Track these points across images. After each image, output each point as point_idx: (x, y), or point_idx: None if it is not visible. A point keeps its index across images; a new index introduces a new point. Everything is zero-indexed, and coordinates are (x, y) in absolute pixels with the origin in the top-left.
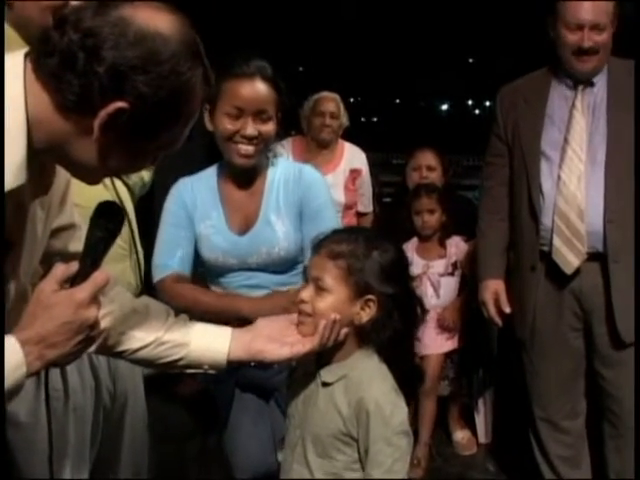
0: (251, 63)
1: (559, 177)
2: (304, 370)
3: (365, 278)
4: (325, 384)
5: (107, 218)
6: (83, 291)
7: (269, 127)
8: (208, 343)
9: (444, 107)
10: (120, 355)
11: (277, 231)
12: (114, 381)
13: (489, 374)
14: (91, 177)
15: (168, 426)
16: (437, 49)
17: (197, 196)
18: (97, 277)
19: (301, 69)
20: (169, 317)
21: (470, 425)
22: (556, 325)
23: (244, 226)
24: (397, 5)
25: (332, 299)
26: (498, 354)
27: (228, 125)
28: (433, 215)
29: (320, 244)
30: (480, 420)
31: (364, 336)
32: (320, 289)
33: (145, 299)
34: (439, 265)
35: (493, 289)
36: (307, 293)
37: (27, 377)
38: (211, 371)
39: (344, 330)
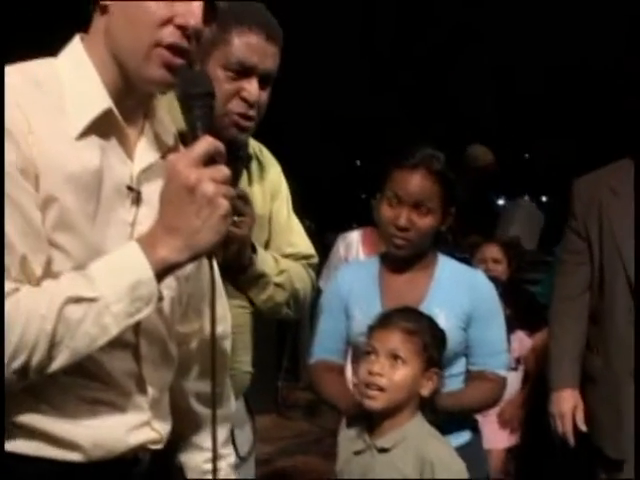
0: (418, 154)
1: None
2: (351, 448)
3: (433, 353)
4: (383, 450)
5: (194, 95)
6: (181, 159)
7: (426, 221)
8: None
9: (501, 202)
10: None
11: (439, 324)
12: None
13: (551, 471)
14: (140, 53)
15: None
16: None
17: (355, 281)
18: (200, 143)
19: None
20: None
21: None
22: None
23: None
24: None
25: (408, 372)
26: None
27: (386, 212)
28: None
29: (388, 320)
30: None
31: (423, 405)
32: (396, 362)
33: None
34: None
35: (572, 402)
36: (380, 366)
37: (162, 275)
38: None
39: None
